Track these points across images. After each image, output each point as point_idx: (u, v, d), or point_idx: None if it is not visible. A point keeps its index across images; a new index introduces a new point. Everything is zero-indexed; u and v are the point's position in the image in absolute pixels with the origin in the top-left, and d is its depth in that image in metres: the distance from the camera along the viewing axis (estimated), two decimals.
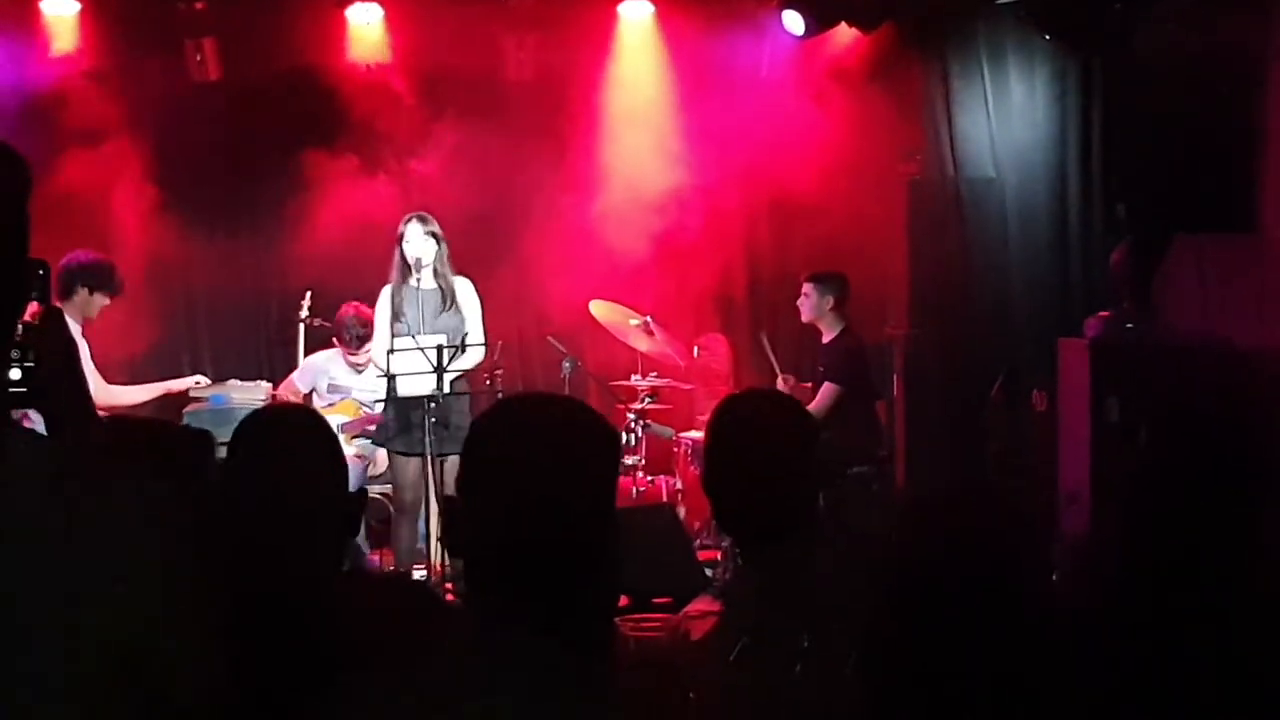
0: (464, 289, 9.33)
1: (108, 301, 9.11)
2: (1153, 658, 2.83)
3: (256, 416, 4.13)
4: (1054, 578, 7.19)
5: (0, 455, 2.08)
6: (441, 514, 7.74)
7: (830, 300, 10.13)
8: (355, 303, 10.02)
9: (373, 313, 9.56)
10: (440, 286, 9.23)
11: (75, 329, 8.81)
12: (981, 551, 2.65)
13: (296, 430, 4.02)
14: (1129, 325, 9.23)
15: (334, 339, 10.26)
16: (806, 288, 10.19)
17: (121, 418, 6.54)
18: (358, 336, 9.99)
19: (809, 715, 2.84)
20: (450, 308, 9.22)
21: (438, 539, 9.08)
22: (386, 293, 9.30)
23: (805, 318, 10.29)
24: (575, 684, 2.35)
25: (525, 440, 2.49)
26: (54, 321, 2.28)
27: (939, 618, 2.59)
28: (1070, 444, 9.26)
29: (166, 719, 2.14)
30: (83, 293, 8.97)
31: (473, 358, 9.30)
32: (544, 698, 2.30)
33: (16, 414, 2.76)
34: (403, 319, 9.15)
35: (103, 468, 2.21)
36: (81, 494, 2.10)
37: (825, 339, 10.25)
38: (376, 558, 9.41)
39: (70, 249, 9.09)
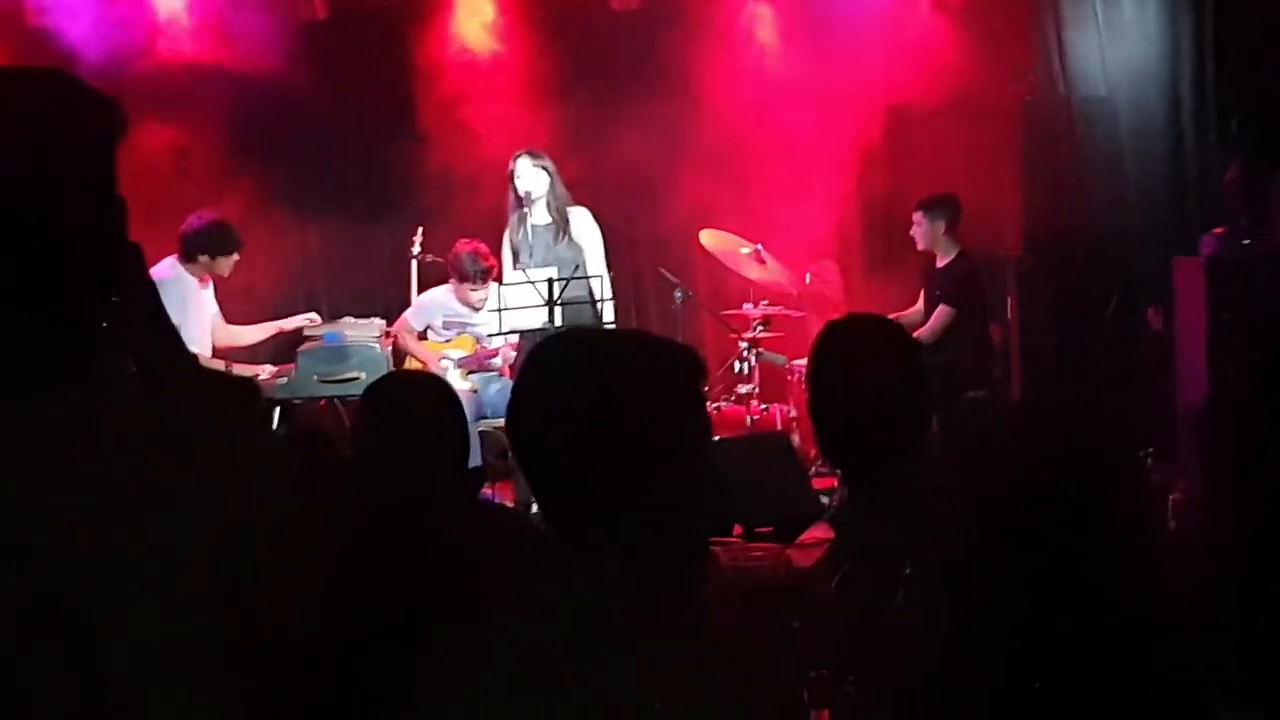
0: (580, 220, 9.35)
1: (236, 258, 9.26)
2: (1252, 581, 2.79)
3: (390, 382, 4.26)
4: (1171, 498, 7.11)
5: (99, 398, 2.12)
6: None
7: (942, 225, 10.13)
8: (466, 240, 9.93)
9: (486, 248, 9.60)
10: (554, 220, 9.28)
11: (191, 278, 9.00)
12: (1083, 466, 2.59)
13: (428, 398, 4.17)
14: (1245, 241, 9.10)
15: (452, 278, 10.15)
16: (917, 216, 10.20)
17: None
18: (481, 271, 9.72)
19: (909, 643, 2.83)
20: (563, 240, 9.25)
21: None
22: (506, 234, 9.38)
23: (920, 246, 10.30)
24: (658, 617, 2.29)
25: (578, 368, 2.38)
26: (134, 261, 2.25)
27: (1037, 534, 2.52)
28: (1187, 362, 9.16)
29: (268, 664, 2.18)
30: (204, 259, 9.15)
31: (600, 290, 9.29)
32: (625, 631, 2.24)
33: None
34: (521, 256, 9.23)
35: (197, 414, 2.24)
36: (176, 440, 2.13)
37: (940, 263, 10.23)
38: (490, 492, 9.43)
39: (182, 192, 9.22)
